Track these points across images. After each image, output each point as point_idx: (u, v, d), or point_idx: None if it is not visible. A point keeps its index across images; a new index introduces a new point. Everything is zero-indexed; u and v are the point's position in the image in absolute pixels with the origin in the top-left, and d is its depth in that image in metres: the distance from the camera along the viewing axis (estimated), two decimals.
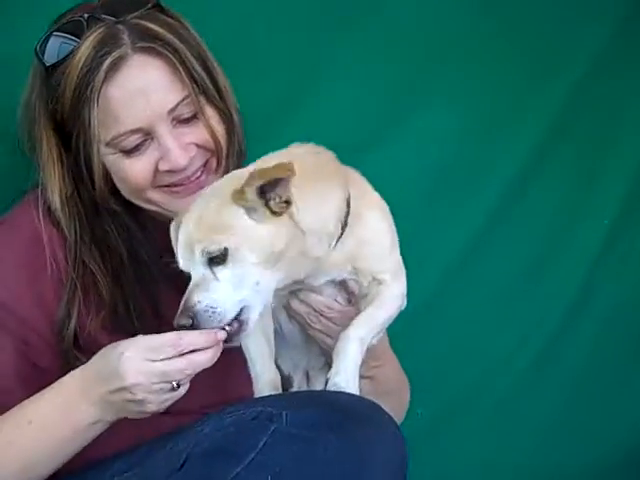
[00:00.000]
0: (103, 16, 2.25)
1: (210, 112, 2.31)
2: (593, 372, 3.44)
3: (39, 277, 2.30)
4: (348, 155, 2.35)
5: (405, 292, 2.33)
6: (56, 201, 2.32)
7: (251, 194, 2.04)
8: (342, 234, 2.20)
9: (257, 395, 2.23)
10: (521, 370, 3.36)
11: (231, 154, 2.36)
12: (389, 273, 2.28)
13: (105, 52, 2.22)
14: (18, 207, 2.39)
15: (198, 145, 2.31)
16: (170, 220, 2.27)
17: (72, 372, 2.16)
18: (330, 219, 2.17)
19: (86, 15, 2.26)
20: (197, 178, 2.33)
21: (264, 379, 2.23)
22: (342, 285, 2.30)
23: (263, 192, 2.06)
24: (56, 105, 2.28)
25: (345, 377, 2.14)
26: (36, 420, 2.15)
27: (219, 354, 2.05)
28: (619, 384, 3.47)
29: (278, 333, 2.35)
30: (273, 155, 2.21)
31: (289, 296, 2.29)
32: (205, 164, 2.34)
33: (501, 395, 3.34)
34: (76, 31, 2.25)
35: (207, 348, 2.03)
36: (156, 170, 2.29)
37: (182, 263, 2.10)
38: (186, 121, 2.29)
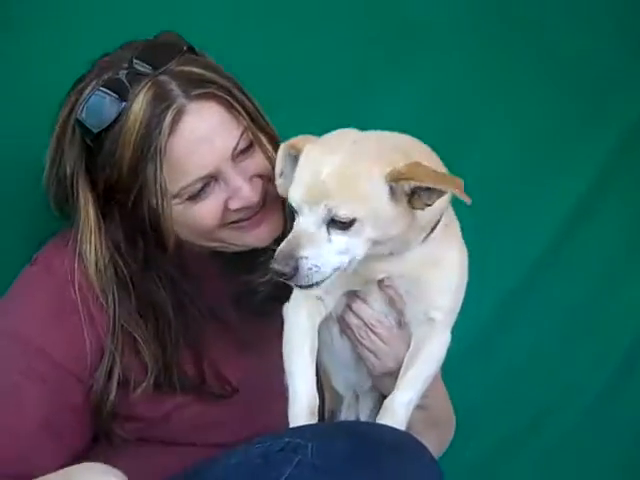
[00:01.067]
0: (141, 70, 2.18)
1: (264, 139, 2.28)
2: None
3: (72, 319, 2.23)
4: None
5: (449, 344, 2.24)
6: (92, 270, 2.24)
7: (407, 186, 1.99)
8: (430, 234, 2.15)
9: (291, 419, 2.13)
10: (580, 411, 3.26)
11: None
12: (443, 313, 2.20)
13: (163, 108, 2.15)
14: (52, 247, 2.32)
15: (259, 175, 2.27)
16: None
17: None
18: (433, 217, 2.12)
19: (124, 72, 2.18)
20: (261, 207, 2.29)
21: (302, 403, 2.13)
22: (391, 304, 2.23)
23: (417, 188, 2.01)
24: (111, 170, 2.20)
25: None
26: None
27: None
28: None
29: (330, 351, 2.32)
30: (407, 136, 2.14)
31: (343, 309, 2.25)
32: (265, 195, 2.29)
33: (556, 436, 3.24)
34: (120, 90, 2.17)
35: None
36: (225, 209, 2.24)
37: (297, 200, 2.01)
38: (243, 152, 2.25)
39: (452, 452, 2.69)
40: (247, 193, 2.23)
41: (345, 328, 2.28)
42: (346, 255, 2.01)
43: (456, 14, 3.03)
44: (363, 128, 2.19)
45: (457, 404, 2.65)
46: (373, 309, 2.24)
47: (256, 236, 2.29)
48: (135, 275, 2.27)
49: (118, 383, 2.23)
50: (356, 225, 1.98)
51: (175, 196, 2.21)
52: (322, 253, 1.98)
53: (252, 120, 2.26)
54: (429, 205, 2.00)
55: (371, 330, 2.24)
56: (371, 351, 2.26)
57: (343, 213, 1.97)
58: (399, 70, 2.97)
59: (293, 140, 2.13)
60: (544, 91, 3.12)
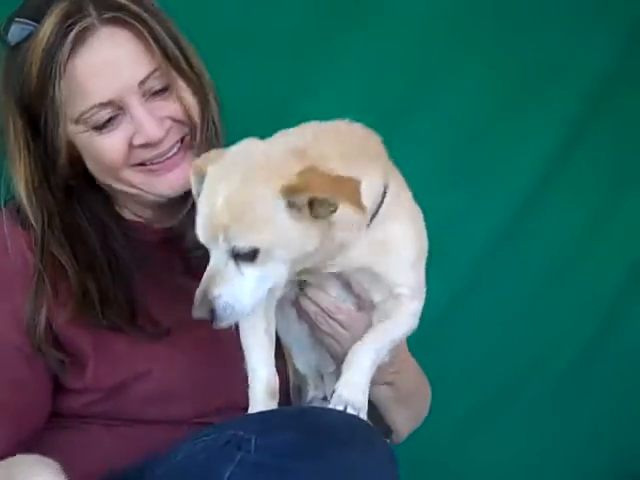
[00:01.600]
0: None
1: (182, 85, 2.22)
2: (631, 377, 3.22)
3: (12, 289, 2.21)
4: None
5: (420, 312, 2.15)
6: (22, 191, 2.23)
7: (304, 198, 1.85)
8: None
9: (250, 401, 2.06)
10: (554, 374, 3.19)
11: (205, 131, 2.26)
12: (408, 288, 2.10)
13: (70, 24, 2.13)
14: None
15: (172, 119, 2.22)
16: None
17: None
18: (370, 205, 1.98)
19: None
20: (174, 154, 2.23)
21: (261, 383, 2.06)
22: (349, 288, 2.13)
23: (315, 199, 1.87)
24: (22, 86, 2.18)
25: (354, 390, 1.98)
26: None
27: None
28: None
29: (288, 334, 2.24)
30: (317, 126, 2.01)
31: (299, 294, 2.15)
32: (182, 140, 2.24)
33: (530, 401, 3.19)
34: (40, 10, 2.16)
35: None
36: (130, 145, 2.19)
37: (200, 236, 1.90)
38: (158, 93, 2.20)
39: (440, 411, 2.65)
40: (150, 128, 2.17)
41: (302, 314, 2.19)
42: (265, 284, 1.90)
43: None
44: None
45: (444, 358, 2.72)
46: (330, 295, 2.13)
47: (166, 182, 2.23)
48: (60, 206, 2.25)
49: (48, 305, 2.19)
50: (261, 254, 1.86)
51: (77, 121, 2.17)
52: (235, 289, 1.87)
53: (170, 61, 2.19)
54: (334, 211, 1.87)
55: (329, 316, 2.14)
56: (331, 336, 2.17)
57: (242, 245, 1.85)
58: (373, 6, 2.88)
59: (198, 161, 2.01)
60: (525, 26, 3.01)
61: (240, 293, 1.87)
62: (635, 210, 3.18)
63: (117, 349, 2.24)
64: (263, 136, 2.02)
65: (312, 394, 2.34)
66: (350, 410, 1.95)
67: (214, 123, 2.28)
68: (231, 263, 1.87)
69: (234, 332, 2.06)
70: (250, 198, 1.85)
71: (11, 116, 2.23)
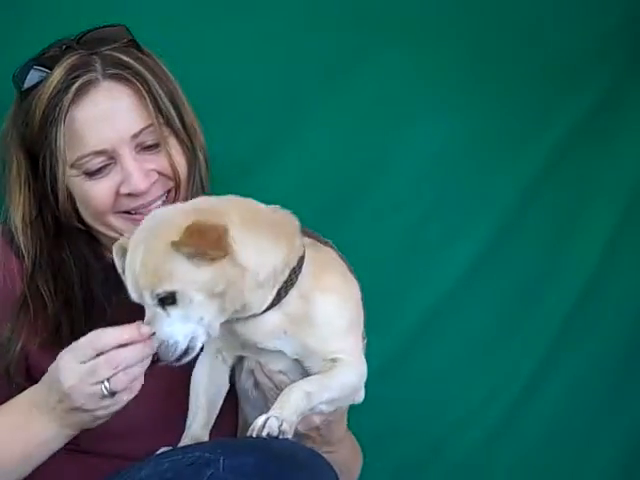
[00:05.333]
0: (79, 48, 2.36)
1: (173, 143, 2.38)
2: (564, 426, 3.38)
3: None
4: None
5: (362, 384, 2.26)
6: (18, 223, 2.40)
7: (188, 249, 2.07)
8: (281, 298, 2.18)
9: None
10: (490, 425, 3.31)
11: (190, 188, 2.42)
12: (344, 353, 2.22)
13: (76, 76, 2.31)
14: None
15: (159, 173, 2.37)
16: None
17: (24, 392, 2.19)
18: (269, 267, 2.15)
19: (64, 47, 2.37)
20: (157, 207, 2.36)
21: (190, 433, 2.23)
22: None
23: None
24: (27, 128, 2.36)
25: (280, 417, 2.04)
26: None
27: (150, 355, 2.10)
28: (591, 437, 3.40)
29: (250, 402, 2.36)
30: (241, 198, 2.22)
31: (255, 366, 2.28)
32: (167, 193, 2.40)
33: (468, 451, 3.30)
34: (55, 59, 2.35)
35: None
36: (117, 193, 2.34)
37: (133, 298, 2.14)
38: (149, 148, 2.36)
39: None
40: (137, 180, 2.33)
41: (258, 385, 2.30)
42: (192, 322, 2.09)
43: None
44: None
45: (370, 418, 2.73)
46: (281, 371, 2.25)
47: None
48: (50, 242, 2.41)
49: (26, 334, 2.32)
50: (179, 296, 2.08)
51: (72, 165, 2.34)
52: (164, 327, 2.09)
53: (163, 118, 2.36)
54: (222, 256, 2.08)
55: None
56: None
57: (160, 292, 2.08)
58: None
59: (120, 241, 2.21)
60: (484, 91, 3.18)
61: (171, 330, 2.09)
62: None
63: None
64: None
65: None
66: (274, 434, 2.02)
67: (201, 181, 2.46)
68: (159, 310, 2.10)
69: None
70: (155, 257, 2.09)
71: (15, 152, 2.41)
